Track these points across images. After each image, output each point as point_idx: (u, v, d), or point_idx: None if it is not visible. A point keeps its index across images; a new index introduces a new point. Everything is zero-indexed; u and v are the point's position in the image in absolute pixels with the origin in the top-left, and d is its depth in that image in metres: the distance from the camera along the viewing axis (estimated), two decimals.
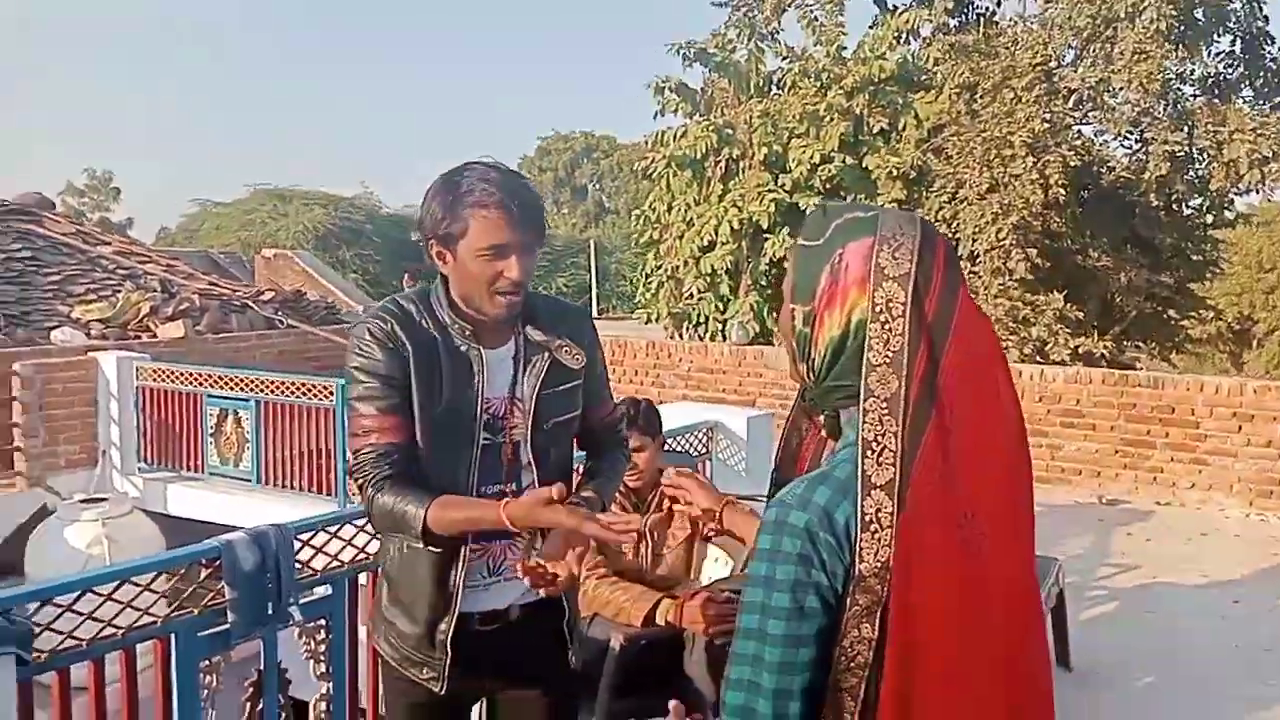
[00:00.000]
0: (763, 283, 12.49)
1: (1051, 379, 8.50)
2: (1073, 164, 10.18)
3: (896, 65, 12.78)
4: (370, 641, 2.26)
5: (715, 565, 3.31)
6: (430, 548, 1.91)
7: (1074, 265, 11.12)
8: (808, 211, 1.29)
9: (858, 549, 1.13)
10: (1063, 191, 10.10)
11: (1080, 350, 10.22)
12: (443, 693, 2.01)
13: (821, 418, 1.33)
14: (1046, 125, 10.29)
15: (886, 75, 12.65)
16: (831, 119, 12.46)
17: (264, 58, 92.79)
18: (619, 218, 38.28)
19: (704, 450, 5.02)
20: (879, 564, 1.12)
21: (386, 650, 2.09)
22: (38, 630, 2.18)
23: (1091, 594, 5.50)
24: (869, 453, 1.14)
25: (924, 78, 12.95)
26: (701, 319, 12.92)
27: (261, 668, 2.88)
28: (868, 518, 1.13)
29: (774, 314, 12.45)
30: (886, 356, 1.16)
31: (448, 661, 1.99)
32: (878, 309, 1.17)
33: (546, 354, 2.03)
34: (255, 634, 2.74)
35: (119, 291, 10.63)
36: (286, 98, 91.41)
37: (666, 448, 4.65)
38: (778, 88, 13.96)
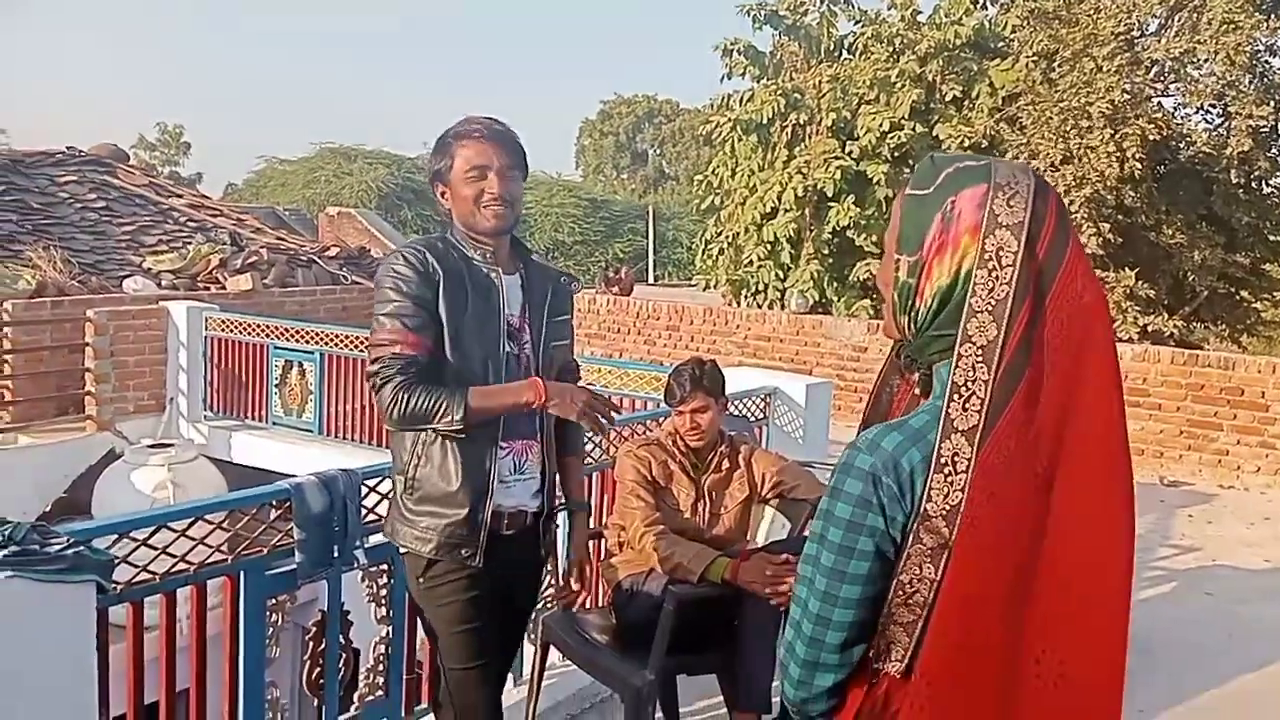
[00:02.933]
0: (825, 251, 12.34)
1: (1119, 357, 8.31)
2: (1151, 137, 9.87)
3: (973, 31, 12.46)
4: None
5: (773, 527, 3.31)
6: (462, 432, 2.19)
7: (1147, 242, 10.84)
8: (915, 165, 1.28)
9: (927, 490, 1.15)
10: (1139, 165, 9.81)
11: (1149, 329, 9.98)
12: (479, 564, 2.27)
13: (915, 376, 1.33)
14: (1127, 97, 9.99)
15: (962, 41, 12.34)
16: (903, 85, 12.21)
17: (335, 20, 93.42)
18: (678, 184, 38.03)
19: (761, 416, 5.00)
20: (948, 507, 1.14)
21: (415, 544, 2.29)
22: (116, 562, 2.24)
23: (1149, 574, 5.40)
24: (956, 397, 1.15)
25: (1000, 44, 12.62)
26: (761, 286, 12.80)
27: (325, 608, 2.96)
28: (943, 459, 1.14)
29: (835, 283, 12.33)
30: (990, 304, 1.15)
31: (484, 537, 2.26)
32: (987, 256, 1.16)
33: (549, 287, 2.43)
34: (320, 575, 2.81)
35: (189, 243, 10.84)
36: (352, 58, 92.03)
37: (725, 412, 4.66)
38: (849, 52, 13.71)
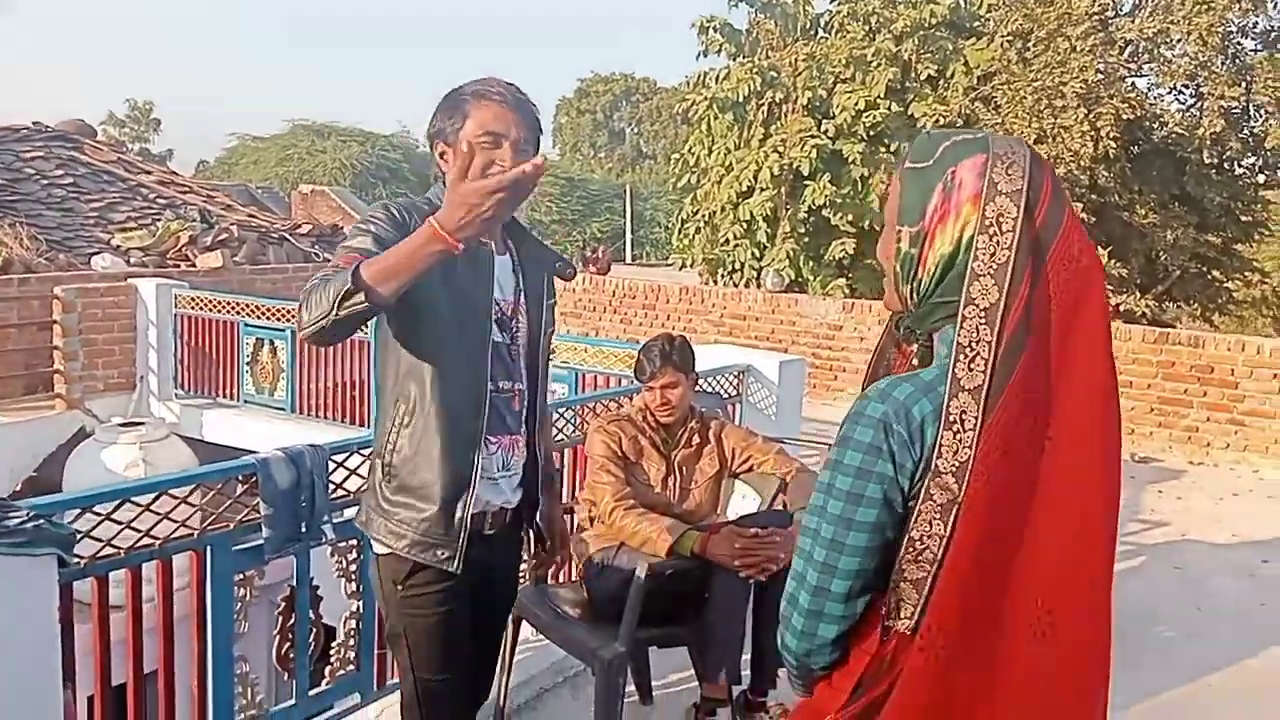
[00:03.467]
0: (801, 230, 12.37)
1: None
2: (1125, 117, 9.93)
3: (948, 10, 12.50)
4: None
5: (743, 502, 3.32)
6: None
7: (1120, 221, 10.92)
8: (915, 138, 1.34)
9: (938, 447, 1.18)
10: (1113, 145, 9.87)
11: (1121, 308, 10.07)
12: (457, 570, 2.04)
13: (913, 347, 1.36)
14: (1100, 77, 10.03)
15: (937, 20, 12.39)
16: (879, 64, 12.24)
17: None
18: (656, 163, 37.92)
19: (735, 393, 5.01)
20: (958, 463, 1.17)
21: (390, 539, 2.05)
22: (78, 536, 2.22)
23: (1118, 549, 5.46)
24: (962, 357, 1.18)
25: (976, 24, 12.67)
26: (737, 265, 12.83)
27: (295, 584, 2.94)
28: (952, 418, 1.18)
29: (811, 261, 12.35)
30: (991, 268, 1.19)
31: (464, 539, 2.03)
32: (988, 222, 1.20)
33: (544, 270, 2.18)
34: (288, 550, 2.79)
35: (159, 220, 10.71)
36: (326, 33, 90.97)
37: (698, 388, 4.66)
38: (825, 30, 13.72)
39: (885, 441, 1.20)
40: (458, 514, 2.05)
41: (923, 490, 1.19)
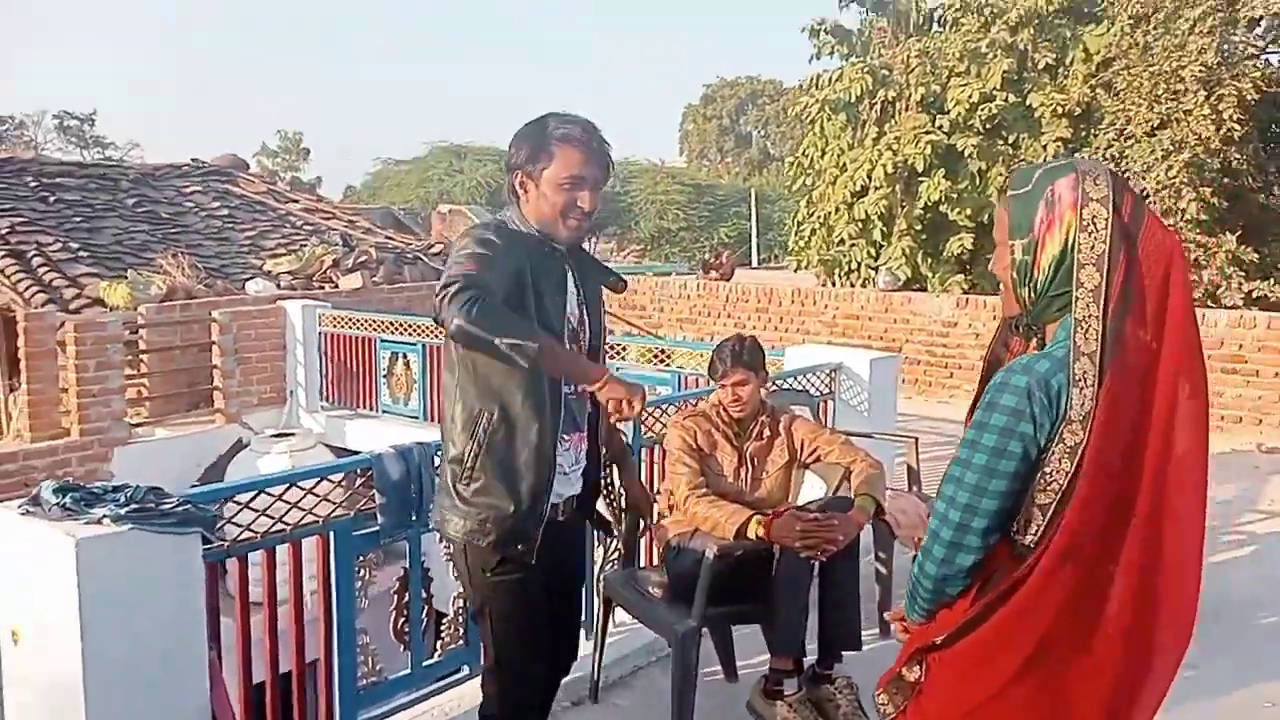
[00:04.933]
0: (917, 228, 12.32)
1: (1213, 323, 8.16)
2: (1250, 98, 9.58)
3: None
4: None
5: (813, 491, 3.55)
6: (526, 367, 2.08)
7: (1255, 204, 10.51)
8: (1012, 169, 1.69)
9: (1069, 401, 1.49)
10: (1237, 127, 9.54)
11: (1255, 295, 9.70)
12: (534, 562, 2.32)
13: (1033, 343, 1.68)
14: (1221, 58, 9.71)
15: (1054, 8, 12.13)
16: (994, 55, 12.09)
17: (440, 15, 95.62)
18: (783, 166, 37.81)
19: (827, 390, 5.19)
20: (1083, 413, 1.48)
21: (472, 538, 2.30)
22: (220, 521, 2.65)
23: (1228, 538, 5.40)
24: (1079, 329, 1.50)
25: (1094, 9, 12.36)
26: (854, 265, 12.86)
27: (408, 565, 3.34)
28: (1076, 376, 1.49)
29: (928, 259, 12.29)
30: (1093, 258, 1.51)
31: (540, 532, 2.31)
32: (1085, 223, 1.53)
33: (598, 283, 2.46)
34: (401, 535, 3.18)
35: (305, 246, 11.55)
36: (464, 53, 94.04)
37: (787, 387, 4.90)
38: (938, 25, 13.62)
39: (1029, 406, 1.50)
40: (539, 510, 2.30)
41: (1057, 437, 1.49)
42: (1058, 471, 1.50)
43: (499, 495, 2.28)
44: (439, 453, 3.22)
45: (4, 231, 9.83)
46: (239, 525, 2.79)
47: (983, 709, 1.60)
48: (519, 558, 2.31)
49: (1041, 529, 1.52)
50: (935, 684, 1.65)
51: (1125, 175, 9.97)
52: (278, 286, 10.38)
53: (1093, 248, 1.51)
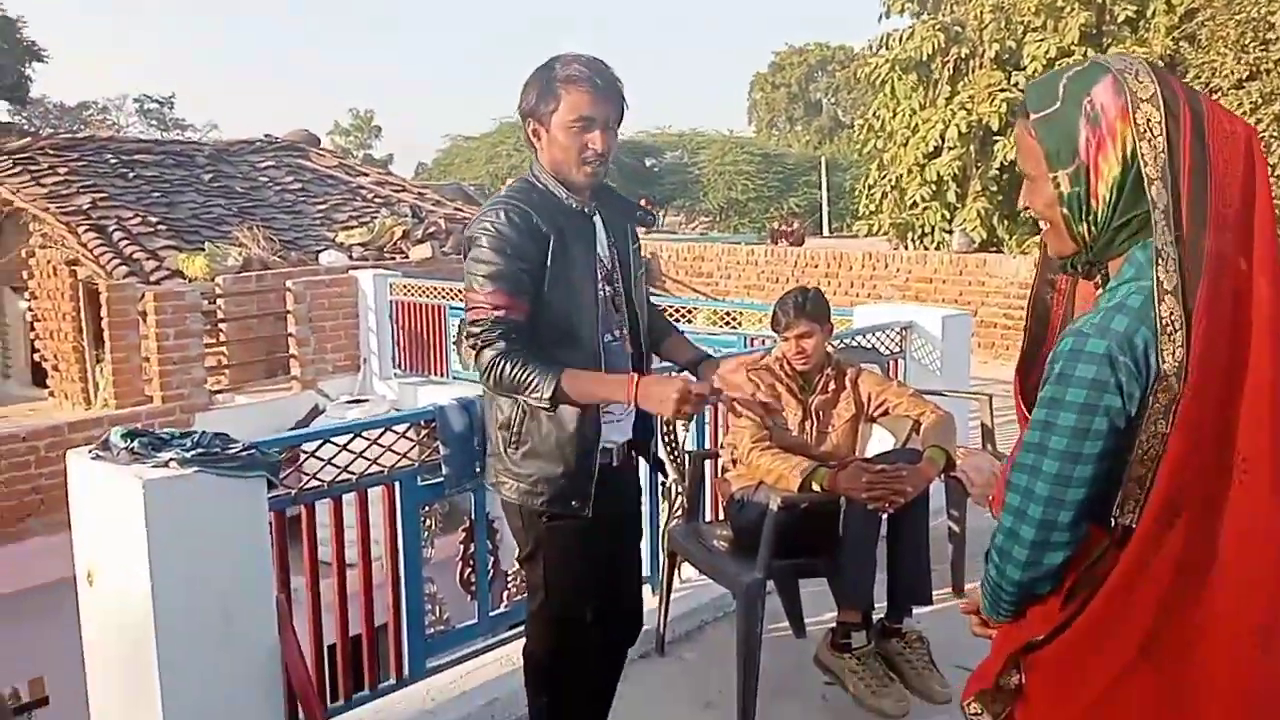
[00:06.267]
0: (993, 188, 12.03)
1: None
2: None
3: None
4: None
5: (881, 444, 3.47)
6: (549, 411, 2.19)
7: None
8: (1025, 90, 1.42)
9: (1160, 353, 1.24)
10: None
11: None
12: (590, 515, 2.31)
13: (1065, 284, 1.48)
14: None
15: None
16: (1071, 9, 11.72)
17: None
18: (853, 132, 37.20)
19: (898, 349, 5.09)
20: (1176, 364, 1.23)
21: (526, 500, 2.31)
22: (285, 472, 2.68)
23: None
24: (1160, 260, 1.25)
25: None
26: (927, 229, 12.61)
27: (473, 516, 3.36)
28: (1164, 321, 1.24)
29: (1005, 220, 12.00)
30: (1158, 170, 1.25)
31: (594, 486, 2.29)
32: (1141, 130, 1.26)
33: (627, 222, 2.41)
34: (465, 487, 3.18)
35: (376, 218, 11.70)
36: (531, 29, 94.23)
37: (855, 345, 4.81)
38: None
39: (1112, 375, 1.24)
40: (589, 466, 2.28)
41: (1151, 399, 1.24)
42: (1154, 437, 1.24)
43: (548, 458, 2.27)
44: None
45: (86, 207, 10.13)
46: (306, 473, 2.83)
47: (1097, 708, 1.37)
48: (575, 513, 2.31)
49: (1141, 504, 1.26)
50: (1039, 687, 1.42)
51: None
52: (350, 257, 10.54)
53: (1156, 159, 1.24)
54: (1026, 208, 1.42)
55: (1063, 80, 1.32)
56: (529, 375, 2.14)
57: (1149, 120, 1.26)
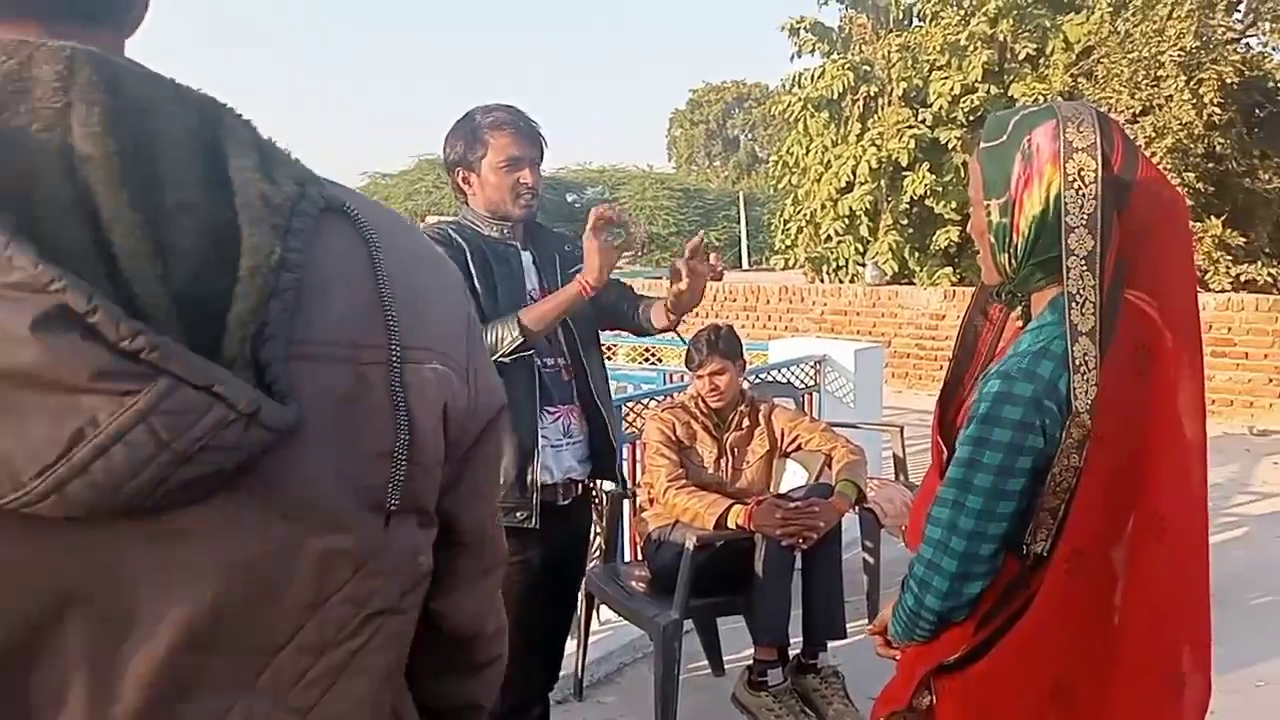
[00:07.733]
0: (903, 221, 12.29)
1: (1202, 306, 8.05)
2: (1230, 81, 9.57)
3: None
4: None
5: (795, 480, 3.51)
6: (529, 347, 2.25)
7: (1241, 189, 10.49)
8: (985, 123, 1.47)
9: (1072, 390, 1.28)
10: (1219, 111, 9.53)
11: (1243, 279, 9.68)
12: (536, 526, 2.32)
13: (1001, 314, 1.53)
14: (1200, 43, 9.71)
15: None
16: (974, 48, 12.07)
17: (420, 28, 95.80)
18: (771, 168, 37.77)
19: (813, 383, 5.16)
20: (1089, 401, 1.28)
21: None
22: None
23: (1220, 520, 5.36)
24: (1074, 304, 1.29)
25: None
26: (841, 262, 12.83)
27: None
28: (1077, 361, 1.28)
29: (916, 252, 12.27)
30: (1082, 219, 1.29)
31: (538, 499, 2.32)
32: (1070, 178, 1.30)
33: (555, 254, 2.49)
34: None
35: None
36: (445, 64, 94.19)
37: (771, 380, 4.86)
38: (918, 19, 13.62)
39: (1038, 417, 1.29)
40: (528, 476, 2.33)
41: (1064, 435, 1.29)
42: (1066, 470, 1.30)
43: None
44: None
45: None
46: None
47: None
48: (519, 526, 2.31)
49: (1052, 534, 1.32)
50: (950, 713, 1.45)
51: None
52: None
53: (1081, 207, 1.28)
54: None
55: (1015, 117, 1.39)
56: (489, 332, 2.21)
57: (1081, 169, 1.30)
